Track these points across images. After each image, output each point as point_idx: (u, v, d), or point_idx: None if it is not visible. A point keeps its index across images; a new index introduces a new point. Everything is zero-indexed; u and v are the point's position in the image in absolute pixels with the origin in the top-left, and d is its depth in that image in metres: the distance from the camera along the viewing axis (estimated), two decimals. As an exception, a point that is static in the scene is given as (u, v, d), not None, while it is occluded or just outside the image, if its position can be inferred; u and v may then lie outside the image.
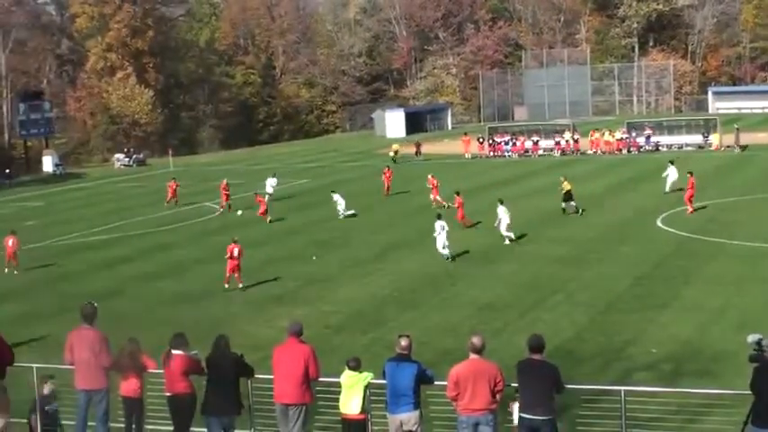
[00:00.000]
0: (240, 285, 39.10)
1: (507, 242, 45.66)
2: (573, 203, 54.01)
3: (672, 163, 60.50)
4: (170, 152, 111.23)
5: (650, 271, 38.75)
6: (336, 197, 58.40)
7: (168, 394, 18.47)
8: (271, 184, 66.27)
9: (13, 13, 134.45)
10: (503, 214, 46.19)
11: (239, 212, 58.47)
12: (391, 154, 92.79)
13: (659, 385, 23.68)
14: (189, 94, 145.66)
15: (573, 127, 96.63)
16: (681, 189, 55.47)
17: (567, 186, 54.12)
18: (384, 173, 68.83)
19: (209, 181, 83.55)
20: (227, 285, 39.18)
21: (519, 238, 45.61)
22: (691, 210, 51.29)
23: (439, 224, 42.60)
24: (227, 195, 63.64)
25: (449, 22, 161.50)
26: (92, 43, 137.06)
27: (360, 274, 40.91)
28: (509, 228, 46.10)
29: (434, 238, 42.99)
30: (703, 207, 50.86)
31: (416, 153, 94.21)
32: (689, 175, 52.22)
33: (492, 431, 16.92)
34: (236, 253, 39.31)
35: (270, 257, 46.21)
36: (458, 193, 51.67)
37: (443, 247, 42.55)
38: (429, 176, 60.98)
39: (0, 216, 71.57)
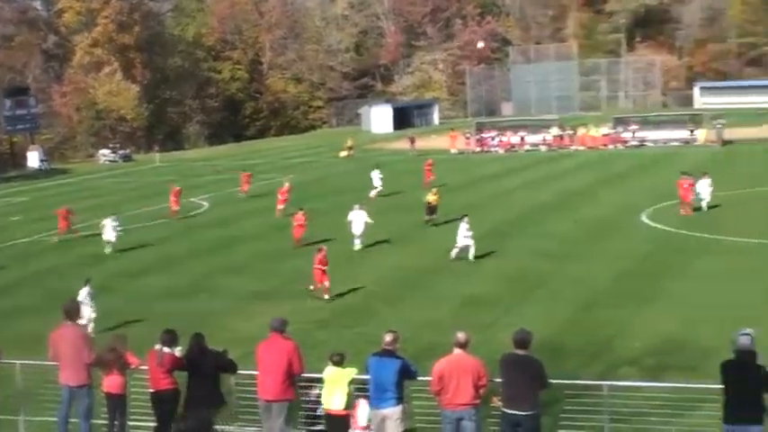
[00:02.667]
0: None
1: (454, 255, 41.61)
2: (433, 216, 50.00)
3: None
4: (156, 148, 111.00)
5: (635, 266, 38.79)
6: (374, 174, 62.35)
7: (152, 390, 18.46)
8: (378, 176, 64.24)
9: (0, 9, 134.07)
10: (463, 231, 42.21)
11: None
12: (343, 153, 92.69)
13: (643, 380, 23.70)
14: (175, 90, 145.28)
15: (560, 122, 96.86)
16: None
17: (433, 198, 50.33)
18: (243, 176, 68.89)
19: (196, 176, 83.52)
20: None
21: (504, 232, 45.37)
22: (684, 211, 50.06)
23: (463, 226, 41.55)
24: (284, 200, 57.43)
25: (437, 17, 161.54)
26: (78, 38, 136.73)
27: (345, 270, 40.82)
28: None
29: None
30: (698, 209, 50.50)
31: (411, 147, 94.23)
32: (683, 175, 51.04)
33: (475, 426, 16.98)
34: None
35: (256, 253, 46.13)
36: (301, 210, 47.46)
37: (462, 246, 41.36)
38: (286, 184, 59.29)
39: (-15, 211, 71.43)
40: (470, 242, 40.87)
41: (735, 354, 16.02)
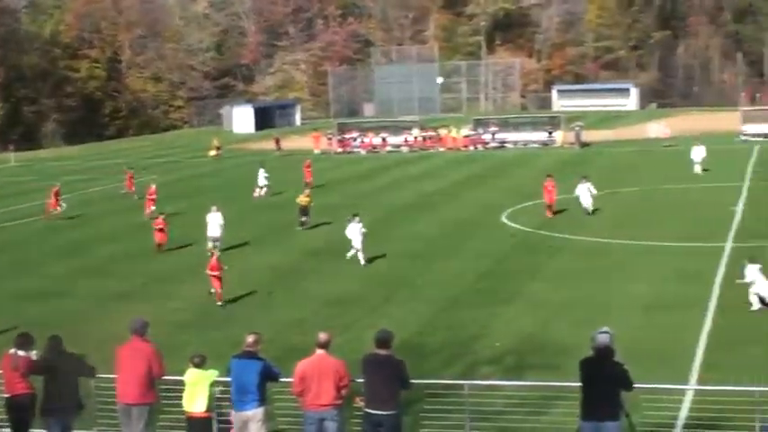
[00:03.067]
0: None
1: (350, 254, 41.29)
2: (307, 219, 49.23)
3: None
4: (11, 147, 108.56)
5: (495, 266, 39.26)
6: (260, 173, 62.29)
7: (6, 396, 18.03)
8: (263, 175, 63.62)
9: None
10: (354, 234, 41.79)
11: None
12: (212, 153, 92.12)
13: (503, 379, 24.03)
14: (31, 88, 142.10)
15: (421, 124, 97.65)
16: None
17: (305, 200, 49.42)
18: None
19: (53, 176, 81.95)
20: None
21: (368, 233, 45.43)
22: (549, 214, 49.99)
23: None
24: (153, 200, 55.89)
25: (298, 17, 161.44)
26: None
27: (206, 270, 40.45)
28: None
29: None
30: (562, 210, 51.03)
31: (277, 148, 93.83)
32: (548, 178, 50.69)
33: (337, 426, 17.00)
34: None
35: (117, 253, 45.47)
36: (162, 214, 46.72)
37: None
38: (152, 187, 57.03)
39: None
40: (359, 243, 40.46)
41: (593, 351, 16.33)
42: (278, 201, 58.63)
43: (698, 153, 65.72)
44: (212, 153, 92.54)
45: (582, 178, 50.88)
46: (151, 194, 55.81)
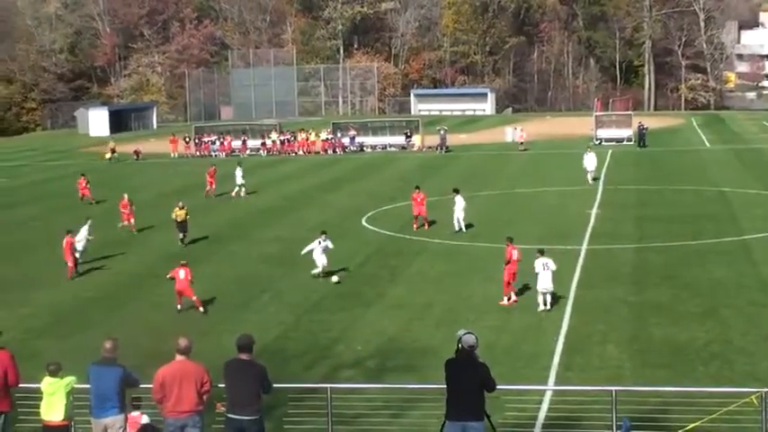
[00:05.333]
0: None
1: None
2: (186, 233, 46.44)
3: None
4: None
5: (356, 269, 39.31)
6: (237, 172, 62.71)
7: None
8: (240, 174, 62.94)
9: None
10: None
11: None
12: (108, 155, 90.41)
13: (365, 382, 24.06)
14: None
15: (279, 127, 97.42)
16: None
17: (180, 213, 46.25)
18: (79, 183, 62.96)
19: None
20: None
21: (227, 236, 44.95)
22: (424, 226, 47.97)
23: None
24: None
25: (154, 19, 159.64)
26: None
27: (62, 276, 39.66)
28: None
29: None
30: (434, 221, 50.46)
31: (136, 158, 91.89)
32: (417, 190, 48.55)
33: (199, 433, 16.80)
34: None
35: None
36: None
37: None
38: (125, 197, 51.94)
39: None
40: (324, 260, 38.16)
41: (458, 351, 16.41)
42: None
43: (590, 161, 62.98)
44: (108, 155, 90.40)
45: (454, 192, 48.09)
46: (124, 207, 50.96)
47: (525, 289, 33.42)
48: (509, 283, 32.77)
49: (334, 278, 35.78)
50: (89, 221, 42.80)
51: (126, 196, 50.66)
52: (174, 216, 46.31)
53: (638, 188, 59.42)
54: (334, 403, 18.49)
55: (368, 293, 35.11)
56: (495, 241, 42.75)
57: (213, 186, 62.96)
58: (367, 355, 27.59)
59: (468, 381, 16.16)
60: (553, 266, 31.48)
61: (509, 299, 32.63)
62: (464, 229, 46.57)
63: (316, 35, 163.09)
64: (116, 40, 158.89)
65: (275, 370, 18.63)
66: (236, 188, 62.90)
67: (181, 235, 46.04)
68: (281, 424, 19.36)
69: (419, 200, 48.18)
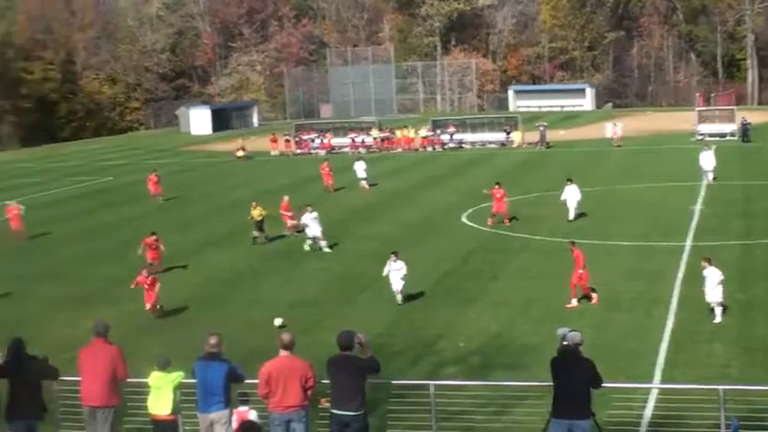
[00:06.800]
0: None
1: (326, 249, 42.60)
2: (264, 233, 46.28)
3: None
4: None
5: (457, 266, 39.26)
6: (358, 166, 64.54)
7: (-31, 399, 17.79)
8: (361, 168, 64.79)
9: None
10: (311, 221, 43.19)
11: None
12: (239, 153, 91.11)
13: (468, 379, 24.00)
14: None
15: (379, 124, 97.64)
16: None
17: (257, 213, 46.25)
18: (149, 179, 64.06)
19: (9, 179, 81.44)
20: None
21: (330, 234, 45.10)
22: (501, 221, 48.29)
23: None
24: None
25: (253, 18, 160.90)
26: None
27: (167, 273, 40.23)
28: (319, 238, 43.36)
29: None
30: (514, 218, 50.35)
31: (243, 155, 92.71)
32: (497, 185, 48.93)
33: (304, 428, 16.89)
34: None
35: (74, 257, 45.12)
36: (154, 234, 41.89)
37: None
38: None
39: None
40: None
41: (563, 349, 16.29)
42: (239, 200, 58.31)
43: (707, 159, 59.65)
44: (239, 154, 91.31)
45: (567, 180, 49.07)
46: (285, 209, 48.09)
47: (624, 289, 33.05)
48: (577, 286, 32.26)
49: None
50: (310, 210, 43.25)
51: (286, 198, 48.56)
52: (251, 215, 46.35)
53: (743, 183, 58.36)
54: (438, 400, 18.46)
55: (470, 290, 35.05)
56: (597, 238, 42.44)
57: (331, 181, 63.62)
58: (469, 351, 27.55)
59: (575, 378, 16.05)
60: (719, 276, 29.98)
61: (588, 299, 32.14)
62: (572, 217, 47.51)
63: (413, 32, 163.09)
64: (216, 39, 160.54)
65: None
66: (360, 181, 64.23)
67: (256, 234, 46.08)
68: (385, 420, 19.37)
69: (498, 196, 48.20)
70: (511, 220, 48.36)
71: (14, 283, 39.39)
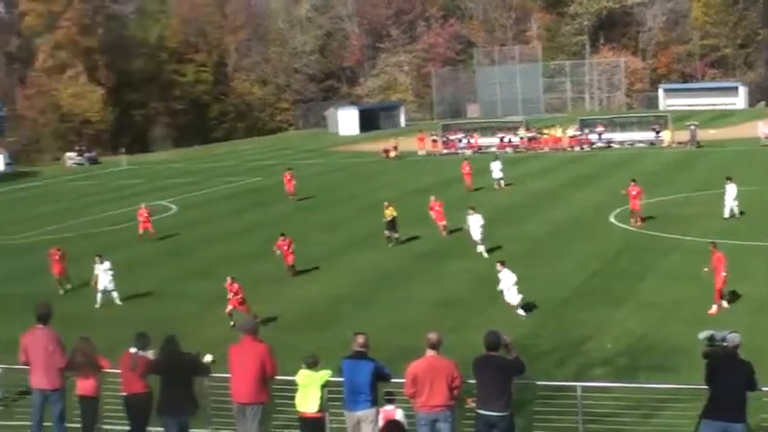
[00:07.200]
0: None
1: (485, 255, 41.72)
2: (395, 234, 46.38)
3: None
4: (123, 150, 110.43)
5: (605, 267, 38.87)
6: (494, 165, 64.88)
7: (124, 394, 18.28)
8: (497, 167, 65.46)
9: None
10: (473, 223, 42.90)
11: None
12: (392, 153, 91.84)
13: (616, 381, 23.75)
14: (140, 92, 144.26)
15: (526, 124, 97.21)
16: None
17: (389, 213, 46.35)
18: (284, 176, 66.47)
19: (162, 179, 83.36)
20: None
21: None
22: (636, 221, 47.88)
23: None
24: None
25: (401, 19, 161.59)
26: (41, 41, 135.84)
27: (314, 272, 40.73)
28: (481, 240, 42.84)
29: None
30: (651, 217, 49.71)
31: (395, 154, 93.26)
32: (632, 183, 48.83)
33: (450, 428, 16.88)
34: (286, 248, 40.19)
35: (225, 255, 45.94)
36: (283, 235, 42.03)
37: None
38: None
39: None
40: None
41: (720, 351, 16.01)
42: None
43: None
44: (392, 154, 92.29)
45: (727, 180, 48.22)
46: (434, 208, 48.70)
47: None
48: (720, 290, 31.49)
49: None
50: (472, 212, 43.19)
51: (434, 198, 48.62)
52: (384, 215, 46.49)
53: None
54: (585, 401, 18.32)
55: (618, 290, 34.66)
56: (751, 239, 41.53)
57: (470, 181, 63.80)
58: (617, 352, 27.26)
59: (733, 381, 15.76)
60: None
61: (718, 306, 31.39)
62: (737, 214, 46.75)
63: (561, 31, 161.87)
64: (364, 40, 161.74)
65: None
66: (496, 181, 64.33)
67: (388, 233, 46.23)
68: (531, 421, 19.31)
69: (634, 194, 47.54)
70: (644, 220, 47.70)
71: (167, 283, 40.34)
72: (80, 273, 40.14)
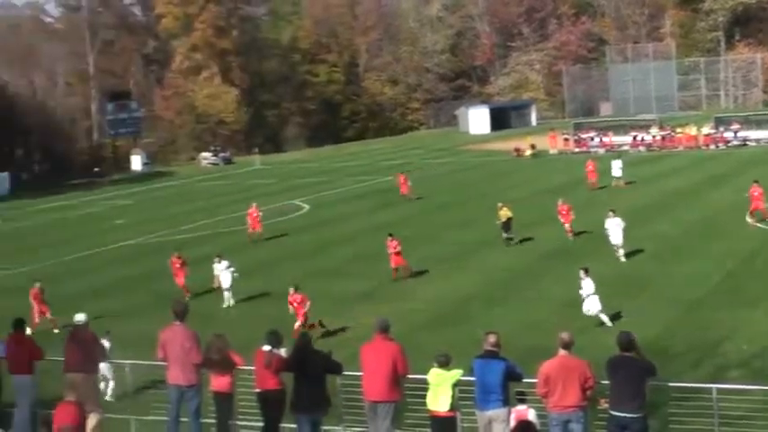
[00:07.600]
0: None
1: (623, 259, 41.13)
2: (511, 233, 46.19)
3: None
4: (256, 150, 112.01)
5: (741, 267, 38.19)
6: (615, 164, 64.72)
7: (258, 390, 18.57)
8: (618, 166, 65.58)
9: (101, 15, 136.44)
10: (613, 227, 41.84)
11: None
12: (528, 152, 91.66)
13: (752, 383, 23.33)
14: (273, 93, 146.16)
15: (659, 122, 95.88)
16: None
17: (503, 213, 46.14)
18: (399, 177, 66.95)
19: (294, 178, 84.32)
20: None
21: (605, 234, 44.57)
22: (753, 223, 46.92)
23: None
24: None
25: (532, 17, 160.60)
26: (177, 43, 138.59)
27: (445, 271, 40.81)
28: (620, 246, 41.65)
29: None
30: None
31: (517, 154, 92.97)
32: (755, 184, 48.13)
33: (582, 428, 16.79)
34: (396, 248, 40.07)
35: (356, 255, 46.32)
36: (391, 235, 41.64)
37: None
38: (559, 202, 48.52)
39: (91, 214, 72.69)
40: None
41: None
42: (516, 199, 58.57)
43: None
44: (528, 152, 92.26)
45: None
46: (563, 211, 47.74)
47: None
48: None
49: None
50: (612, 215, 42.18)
51: (561, 201, 47.94)
52: (498, 215, 46.20)
53: None
54: (721, 404, 18.06)
55: (754, 291, 34.03)
56: None
57: (593, 180, 63.23)
58: (753, 354, 26.78)
59: None
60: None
61: None
62: None
63: (695, 27, 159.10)
64: (495, 39, 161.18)
65: (658, 367, 18.35)
66: (614, 179, 64.02)
67: (505, 235, 45.92)
68: (666, 423, 19.09)
69: (756, 194, 46.52)
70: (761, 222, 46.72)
71: (299, 281, 40.69)
72: (207, 273, 40.63)
